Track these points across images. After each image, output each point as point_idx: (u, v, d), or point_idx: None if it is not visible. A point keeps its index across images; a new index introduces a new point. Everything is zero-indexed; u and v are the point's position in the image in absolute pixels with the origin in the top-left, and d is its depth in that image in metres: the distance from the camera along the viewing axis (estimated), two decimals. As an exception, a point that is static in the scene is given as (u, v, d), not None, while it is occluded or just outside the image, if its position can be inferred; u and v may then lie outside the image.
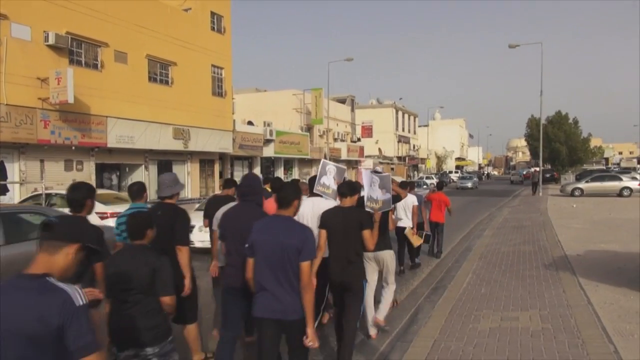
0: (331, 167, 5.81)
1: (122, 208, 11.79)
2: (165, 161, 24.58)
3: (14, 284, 1.93)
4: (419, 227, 8.74)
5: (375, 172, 5.56)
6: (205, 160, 27.27)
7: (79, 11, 18.90)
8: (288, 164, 38.26)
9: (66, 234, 2.10)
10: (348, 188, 4.69)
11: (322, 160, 6.03)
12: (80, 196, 3.90)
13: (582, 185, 29.46)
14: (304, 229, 3.50)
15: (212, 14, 26.45)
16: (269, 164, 36.21)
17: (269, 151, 33.60)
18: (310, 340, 3.32)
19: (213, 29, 26.60)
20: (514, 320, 5.56)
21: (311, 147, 39.75)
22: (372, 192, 5.07)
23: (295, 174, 38.38)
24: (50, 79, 17.33)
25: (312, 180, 5.73)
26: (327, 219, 4.54)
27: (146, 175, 23.27)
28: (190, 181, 25.91)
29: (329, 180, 5.69)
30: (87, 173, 20.30)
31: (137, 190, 4.83)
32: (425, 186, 31.98)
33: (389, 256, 5.47)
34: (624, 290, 6.69)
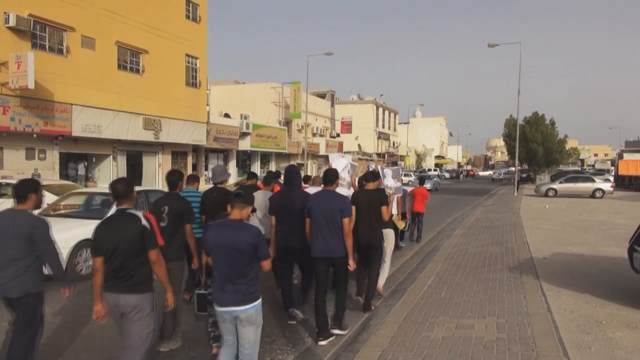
0: (347, 163, 7.94)
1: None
2: (135, 152, 23.85)
3: (228, 223, 3.73)
4: (402, 216, 9.87)
5: (388, 165, 7.38)
6: (178, 152, 26.59)
7: (44, -7, 18.09)
8: (265, 158, 37.74)
9: (247, 200, 3.83)
10: (372, 176, 6.48)
11: (332, 155, 8.01)
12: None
13: (556, 185, 29.63)
14: (344, 198, 5.50)
15: (188, 2, 25.75)
16: (245, 157, 35.64)
17: (245, 144, 33.04)
18: (351, 267, 5.35)
19: (188, 17, 25.89)
20: (469, 328, 5.25)
21: (289, 141, 39.28)
22: (387, 181, 7.61)
23: (272, 168, 37.88)
24: (10, 63, 16.52)
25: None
26: (356, 198, 6.20)
27: (114, 166, 22.55)
28: (161, 173, 25.21)
29: (344, 173, 7.53)
30: (50, 162, 19.52)
31: (190, 177, 6.34)
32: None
33: (390, 233, 7.07)
34: (587, 297, 6.45)
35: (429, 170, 63.41)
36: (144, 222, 3.67)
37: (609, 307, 5.98)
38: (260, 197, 6.09)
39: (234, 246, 3.61)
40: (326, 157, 45.99)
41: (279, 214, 5.70)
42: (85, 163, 22.31)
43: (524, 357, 4.39)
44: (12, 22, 16.71)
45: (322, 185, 5.60)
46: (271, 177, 7.29)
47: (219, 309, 3.71)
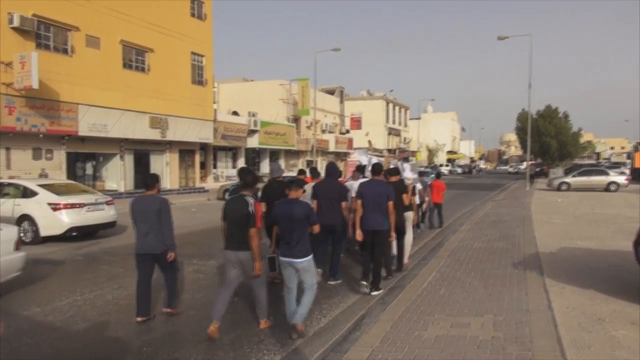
0: (370, 158, 10.02)
1: (76, 198, 11.21)
2: (142, 151, 23.91)
3: (288, 201, 5.26)
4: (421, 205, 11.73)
5: (405, 160, 9.08)
6: (185, 151, 26.61)
7: (47, -7, 18.13)
8: (274, 155, 37.63)
9: (301, 185, 5.36)
10: (394, 171, 8.15)
11: (358, 151, 10.18)
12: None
13: (569, 179, 29.06)
14: (389, 185, 7.09)
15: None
16: (254, 154, 35.57)
17: (253, 142, 32.98)
18: (392, 239, 7.03)
19: (193, 15, 25.86)
20: (465, 327, 5.03)
21: (298, 138, 39.14)
22: (406, 174, 9.58)
23: (282, 165, 37.76)
24: (14, 64, 16.60)
25: (362, 168, 9.50)
26: None
27: (122, 165, 22.62)
28: (169, 172, 25.29)
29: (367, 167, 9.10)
30: (58, 162, 19.65)
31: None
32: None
33: (410, 214, 8.50)
34: (591, 293, 6.18)
35: (441, 165, 62.81)
36: (250, 207, 5.07)
37: (614, 303, 5.71)
38: (308, 188, 7.27)
39: (292, 216, 5.16)
40: (336, 154, 45.84)
41: (319, 199, 7.20)
42: (94, 162, 22.41)
43: (519, 357, 4.17)
44: (16, 23, 16.81)
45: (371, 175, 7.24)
46: (317, 172, 8.67)
47: (283, 259, 5.24)
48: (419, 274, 7.78)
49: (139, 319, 5.61)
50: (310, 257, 5.20)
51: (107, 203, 11.88)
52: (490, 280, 7.00)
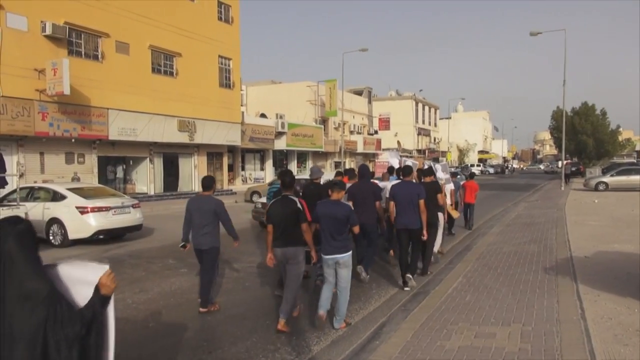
0: (401, 159, 10.61)
1: (103, 202, 11.38)
2: (171, 154, 24.23)
3: (330, 202, 5.59)
4: (455, 206, 11.84)
5: (435, 160, 9.60)
6: (213, 153, 26.83)
7: (78, 1, 18.57)
8: (302, 156, 37.61)
9: (342, 187, 5.75)
10: (428, 171, 8.65)
11: (390, 152, 10.74)
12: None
13: (606, 179, 27.94)
14: (419, 185, 7.69)
15: (220, 3, 25.92)
16: (282, 157, 35.61)
17: (280, 144, 33.00)
18: (424, 236, 7.25)
19: (220, 19, 26.06)
20: (490, 337, 4.76)
21: (326, 139, 39.00)
22: (439, 174, 10.15)
23: (309, 166, 37.71)
24: (47, 70, 17.04)
25: (392, 169, 9.97)
26: None
27: (151, 168, 22.97)
28: (197, 174, 25.53)
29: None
30: (89, 166, 20.08)
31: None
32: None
33: (440, 214, 8.74)
34: (629, 301, 5.79)
35: (472, 165, 61.60)
36: (298, 205, 5.53)
37: (654, 313, 5.33)
38: None
39: (334, 216, 5.49)
40: (364, 155, 45.53)
41: (355, 199, 7.47)
42: (124, 166, 22.84)
43: (548, 372, 3.90)
44: (48, 31, 17.25)
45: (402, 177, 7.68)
46: (354, 173, 8.86)
47: (325, 256, 5.55)
48: (444, 279, 7.52)
49: (201, 309, 6.18)
50: (350, 252, 5.58)
51: (134, 206, 12.01)
52: (520, 287, 6.68)
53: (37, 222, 11.11)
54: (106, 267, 2.16)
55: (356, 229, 5.73)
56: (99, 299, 2.08)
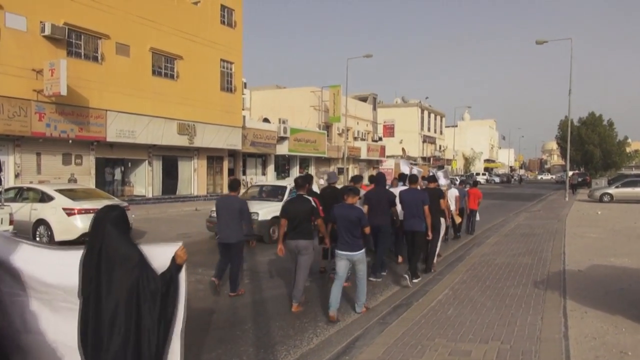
0: (411, 167, 12.96)
1: (90, 204, 11.20)
2: (170, 157, 24.10)
3: (345, 205, 6.24)
4: (460, 212, 12.81)
5: (439, 168, 10.54)
6: (214, 157, 26.68)
7: (79, 2, 18.53)
8: (304, 162, 37.38)
9: (357, 192, 6.63)
10: (432, 178, 9.60)
11: (402, 161, 12.30)
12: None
13: (611, 190, 27.51)
14: (424, 192, 8.42)
15: (223, 7, 25.83)
16: (284, 161, 35.42)
17: (283, 149, 32.80)
18: (429, 237, 8.19)
19: (223, 22, 25.98)
20: (465, 355, 4.51)
21: (329, 145, 38.77)
22: (441, 181, 11.19)
23: (313, 173, 37.47)
24: (44, 71, 16.98)
25: (404, 176, 10.50)
26: None
27: (149, 171, 22.85)
28: (196, 178, 25.41)
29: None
30: (87, 167, 19.98)
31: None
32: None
33: (442, 220, 9.24)
34: (617, 319, 5.51)
35: (477, 174, 61.13)
36: (312, 203, 6.53)
37: (643, 333, 5.05)
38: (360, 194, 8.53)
39: (348, 218, 6.11)
40: (367, 161, 45.25)
41: (370, 204, 8.15)
42: (122, 168, 22.73)
43: (519, 396, 3.63)
44: (47, 31, 17.20)
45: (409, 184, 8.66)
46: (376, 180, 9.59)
47: (340, 252, 6.18)
48: (430, 291, 7.27)
49: (231, 294, 7.09)
50: (363, 250, 6.21)
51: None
52: (505, 301, 6.40)
53: (23, 223, 11.00)
54: (180, 243, 2.81)
55: (367, 230, 6.24)
56: (175, 267, 2.74)
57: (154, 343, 2.62)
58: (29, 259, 2.84)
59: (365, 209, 7.91)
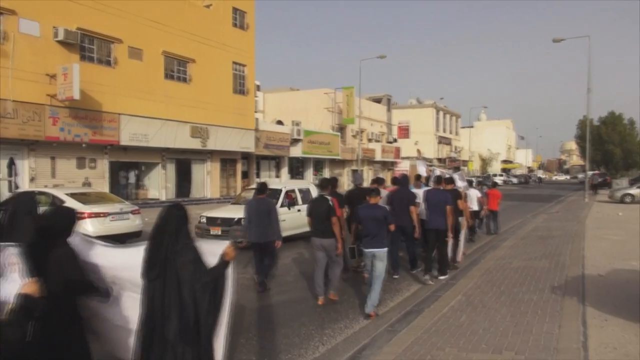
0: (427, 168, 12.77)
1: (100, 208, 11.18)
2: (183, 160, 24.16)
3: (370, 205, 6.54)
4: (475, 214, 12.62)
5: (455, 169, 12.23)
6: (227, 160, 26.68)
7: (91, 7, 18.66)
8: (318, 164, 37.25)
9: (378, 193, 6.75)
10: (450, 180, 9.47)
11: (418, 162, 12.51)
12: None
13: (633, 190, 26.79)
14: (447, 193, 8.58)
15: (235, 10, 25.86)
16: (298, 164, 35.32)
17: (296, 151, 32.72)
18: (448, 238, 8.47)
19: (235, 25, 26.00)
20: (476, 367, 4.27)
21: (343, 147, 38.58)
22: (458, 183, 10.65)
23: (327, 175, 37.32)
24: (57, 75, 17.11)
25: (418, 176, 10.90)
26: None
27: (163, 174, 22.91)
28: (209, 181, 25.42)
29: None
30: (101, 171, 20.10)
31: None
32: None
33: (463, 219, 9.76)
34: (640, 328, 5.21)
35: (494, 175, 60.27)
36: (330, 202, 6.80)
37: (668, 343, 4.75)
38: (383, 195, 8.67)
39: (374, 216, 6.40)
40: (382, 163, 44.95)
41: (393, 204, 8.39)
42: (136, 171, 22.83)
43: (533, 413, 3.40)
44: (61, 36, 17.35)
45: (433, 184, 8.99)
46: (399, 181, 9.86)
47: (366, 249, 6.45)
48: (442, 297, 7.02)
49: (260, 288, 7.46)
50: (386, 248, 6.44)
51: (133, 212, 11.79)
52: (521, 308, 6.13)
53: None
54: (228, 242, 3.16)
55: (392, 227, 6.54)
56: (223, 263, 3.05)
57: (204, 331, 2.95)
58: (102, 256, 3.33)
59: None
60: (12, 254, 2.48)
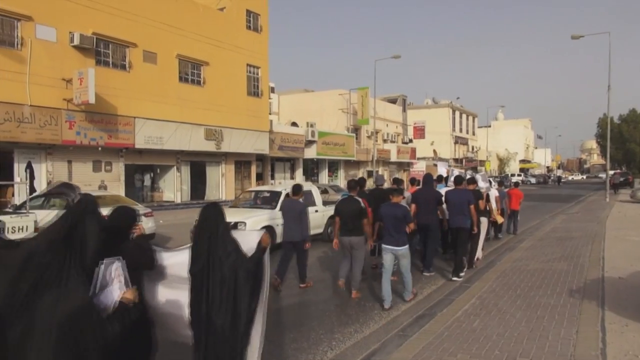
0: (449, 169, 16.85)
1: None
2: (198, 162, 24.26)
3: (392, 204, 6.89)
4: (501, 212, 12.67)
5: (474, 170, 11.99)
6: (241, 162, 26.71)
7: (106, 11, 18.84)
8: (333, 165, 37.09)
9: (401, 193, 7.14)
10: (472, 180, 9.54)
11: (439, 163, 16.55)
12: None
13: (656, 190, 26.10)
14: (470, 192, 8.76)
15: (248, 12, 25.89)
16: (312, 165, 35.21)
17: (311, 152, 32.60)
18: (474, 231, 8.69)
19: (249, 27, 26.03)
20: (489, 374, 4.12)
21: (358, 148, 38.37)
22: (480, 184, 10.41)
23: (341, 176, 37.17)
24: (73, 80, 17.30)
25: (440, 177, 11.79)
26: None
27: (178, 176, 23.04)
28: (224, 183, 25.49)
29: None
30: (117, 174, 20.27)
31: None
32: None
33: (484, 220, 9.77)
34: (663, 334, 4.99)
35: (512, 175, 59.44)
36: (361, 204, 7.23)
37: (692, 350, 4.53)
38: (406, 195, 8.92)
39: (395, 215, 6.68)
40: (398, 164, 44.62)
41: (418, 203, 8.73)
42: (151, 174, 23.00)
43: None
44: (76, 41, 17.54)
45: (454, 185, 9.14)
46: (417, 182, 10.44)
47: (386, 246, 6.76)
48: (455, 300, 6.86)
49: (301, 285, 7.85)
50: (407, 246, 6.81)
51: (146, 215, 11.84)
52: (537, 312, 5.94)
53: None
54: (263, 231, 3.53)
55: (411, 226, 6.86)
56: (262, 249, 3.35)
57: (246, 314, 3.25)
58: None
59: (412, 208, 8.56)
60: (117, 267, 2.71)
